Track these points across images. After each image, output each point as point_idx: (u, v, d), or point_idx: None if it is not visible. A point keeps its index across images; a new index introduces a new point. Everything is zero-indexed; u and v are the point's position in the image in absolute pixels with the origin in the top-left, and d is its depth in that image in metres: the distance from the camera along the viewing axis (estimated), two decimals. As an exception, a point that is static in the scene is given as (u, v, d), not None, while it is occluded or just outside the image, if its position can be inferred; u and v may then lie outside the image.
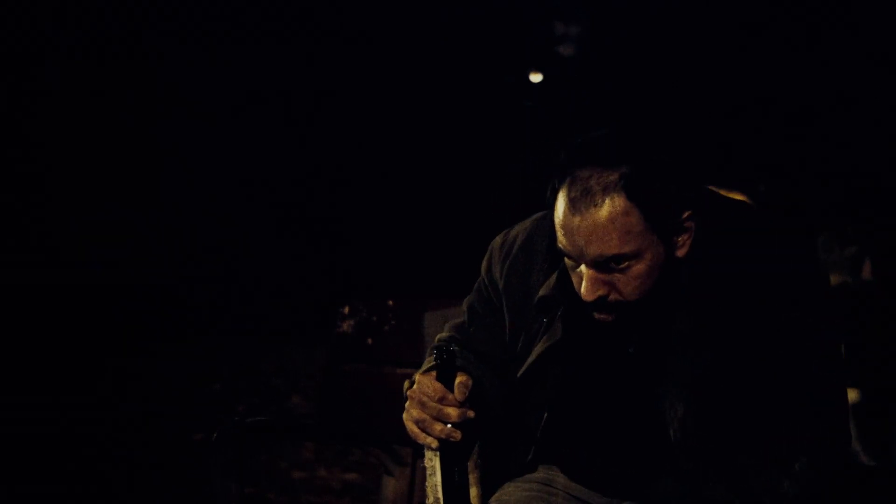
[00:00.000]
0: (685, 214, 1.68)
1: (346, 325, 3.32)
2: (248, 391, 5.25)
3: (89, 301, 5.63)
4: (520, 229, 1.92)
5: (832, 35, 6.36)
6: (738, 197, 1.93)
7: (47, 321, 5.37)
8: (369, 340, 3.28)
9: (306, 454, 4.75)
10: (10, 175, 5.63)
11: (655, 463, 1.75)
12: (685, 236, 1.69)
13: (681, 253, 1.70)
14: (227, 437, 2.72)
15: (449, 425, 1.70)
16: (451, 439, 1.70)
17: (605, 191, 1.62)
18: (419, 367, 2.21)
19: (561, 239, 1.67)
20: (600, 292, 1.67)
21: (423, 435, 1.72)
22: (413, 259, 6.34)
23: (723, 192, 1.84)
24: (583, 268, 1.67)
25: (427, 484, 1.76)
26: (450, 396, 1.70)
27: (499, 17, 6.87)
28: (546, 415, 1.82)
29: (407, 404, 1.74)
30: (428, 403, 1.71)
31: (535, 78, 7.30)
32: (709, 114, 6.69)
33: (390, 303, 3.29)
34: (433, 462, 1.74)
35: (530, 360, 1.83)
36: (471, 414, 1.71)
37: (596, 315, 1.70)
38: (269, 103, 6.75)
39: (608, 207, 1.62)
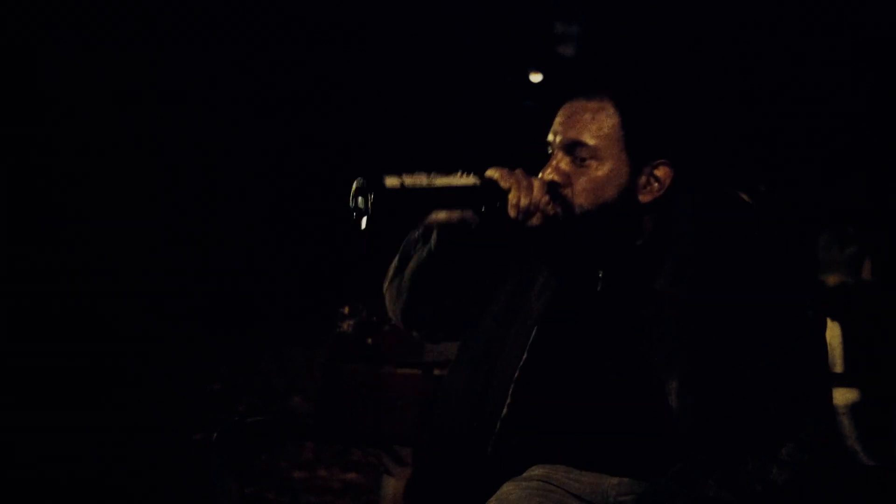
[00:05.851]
0: (660, 161, 1.76)
1: (346, 325, 3.32)
2: (248, 391, 5.25)
3: (89, 302, 5.63)
4: None
5: (829, 33, 6.36)
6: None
7: (46, 322, 5.37)
8: (369, 340, 3.28)
9: (306, 454, 4.74)
10: (8, 179, 5.63)
11: (641, 432, 1.76)
12: (654, 185, 1.76)
13: (643, 198, 1.76)
14: (227, 437, 2.72)
15: None
16: None
17: (601, 92, 1.77)
18: (419, 367, 2.20)
19: (552, 127, 1.81)
20: (555, 176, 1.76)
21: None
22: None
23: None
24: (554, 156, 1.79)
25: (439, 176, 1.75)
26: None
27: (499, 17, 6.87)
28: (522, 362, 1.82)
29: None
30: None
31: (535, 78, 7.30)
32: (708, 114, 6.68)
33: (390, 303, 3.29)
34: (468, 179, 1.76)
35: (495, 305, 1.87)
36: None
37: (544, 195, 1.75)
38: (267, 102, 6.75)
39: (595, 103, 1.77)
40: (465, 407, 1.87)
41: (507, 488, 1.86)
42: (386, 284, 1.99)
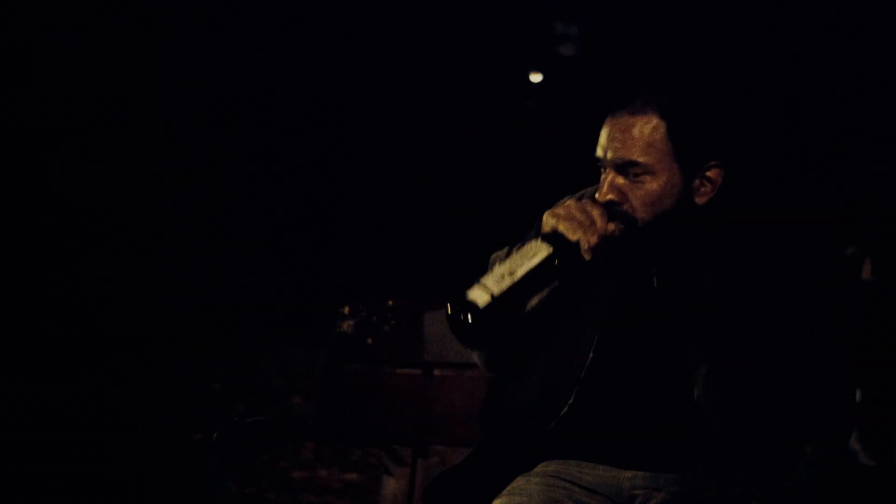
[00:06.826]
0: (711, 163, 1.80)
1: (346, 325, 3.31)
2: (248, 391, 5.25)
3: (89, 302, 5.63)
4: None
5: (829, 32, 6.36)
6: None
7: (46, 322, 5.37)
8: (369, 340, 3.28)
9: (306, 454, 4.75)
10: (7, 179, 5.63)
11: (678, 426, 1.77)
12: (708, 186, 1.81)
13: (699, 200, 1.80)
14: (227, 437, 2.72)
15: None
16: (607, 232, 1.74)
17: (645, 105, 1.80)
18: (419, 367, 2.20)
19: (599, 142, 1.83)
20: (612, 196, 1.79)
21: (570, 224, 1.74)
22: (413, 259, 6.33)
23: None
24: (607, 174, 1.81)
25: (512, 256, 1.73)
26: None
27: (499, 17, 6.87)
28: (588, 361, 1.84)
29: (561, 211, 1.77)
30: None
31: (535, 78, 7.30)
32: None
33: (390, 303, 3.29)
34: (539, 248, 1.72)
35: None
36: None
37: (607, 222, 1.76)
38: (266, 102, 6.75)
39: (640, 118, 1.78)
40: (528, 407, 1.90)
41: (518, 482, 1.87)
42: (477, 353, 2.00)
